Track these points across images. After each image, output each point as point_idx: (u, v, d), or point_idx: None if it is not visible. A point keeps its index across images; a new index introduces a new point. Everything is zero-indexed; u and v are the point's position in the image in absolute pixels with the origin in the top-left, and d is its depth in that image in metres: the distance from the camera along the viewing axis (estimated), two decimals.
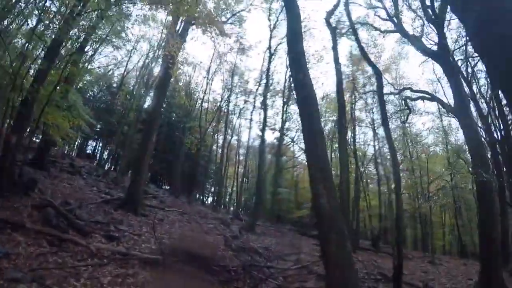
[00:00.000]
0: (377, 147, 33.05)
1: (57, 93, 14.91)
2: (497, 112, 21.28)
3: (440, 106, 28.37)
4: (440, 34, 18.36)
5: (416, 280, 14.98)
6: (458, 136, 37.78)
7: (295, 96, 36.15)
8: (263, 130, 27.57)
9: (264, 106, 27.46)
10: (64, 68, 16.59)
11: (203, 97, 38.24)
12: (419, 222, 36.09)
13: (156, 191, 28.59)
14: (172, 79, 21.12)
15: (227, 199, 46.83)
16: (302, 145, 43.65)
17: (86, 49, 25.97)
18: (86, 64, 34.24)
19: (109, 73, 38.62)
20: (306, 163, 10.17)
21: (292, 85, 34.12)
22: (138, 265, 9.13)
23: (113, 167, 35.93)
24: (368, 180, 39.71)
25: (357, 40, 18.95)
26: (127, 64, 37.10)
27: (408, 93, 23.17)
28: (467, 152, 33.74)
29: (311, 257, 16.02)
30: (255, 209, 23.30)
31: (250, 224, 21.27)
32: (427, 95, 21.66)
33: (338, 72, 21.17)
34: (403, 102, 23.45)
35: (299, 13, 11.13)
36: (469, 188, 30.91)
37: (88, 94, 38.96)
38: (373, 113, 33.36)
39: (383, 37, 22.93)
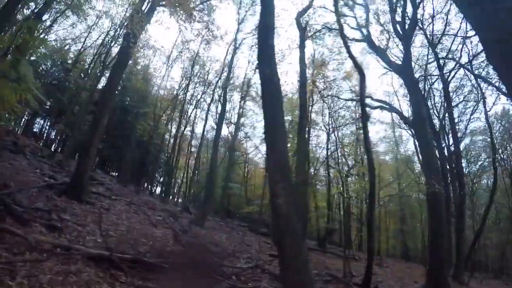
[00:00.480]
0: (330, 151, 33.32)
1: (6, 63, 13.71)
2: (447, 129, 22.05)
3: (394, 117, 29.13)
4: (407, 49, 18.76)
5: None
6: (407, 147, 39.24)
7: (254, 92, 36.35)
8: (220, 122, 27.01)
9: (224, 98, 26.90)
10: (16, 34, 15.43)
11: (160, 83, 36.97)
12: (365, 225, 36.99)
13: (103, 178, 27.22)
14: (130, 61, 20.12)
15: (175, 190, 45.76)
16: (256, 141, 43.96)
17: (44, 18, 24.50)
18: (42, 34, 32.57)
19: (65, 47, 36.61)
20: (266, 161, 9.89)
21: (252, 81, 34.18)
22: (81, 261, 8.35)
23: (60, 148, 34.12)
24: (317, 182, 40.18)
25: (342, 36, 19.13)
26: (85, 40, 34.87)
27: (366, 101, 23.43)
28: (415, 163, 35.52)
29: (262, 255, 15.80)
30: (205, 203, 22.69)
31: (199, 218, 20.66)
32: (385, 105, 22.01)
33: (303, 72, 20.94)
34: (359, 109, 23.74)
35: (274, 7, 10.89)
36: (413, 196, 32.09)
37: (40, 68, 36.52)
38: (328, 116, 33.51)
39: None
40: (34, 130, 39.95)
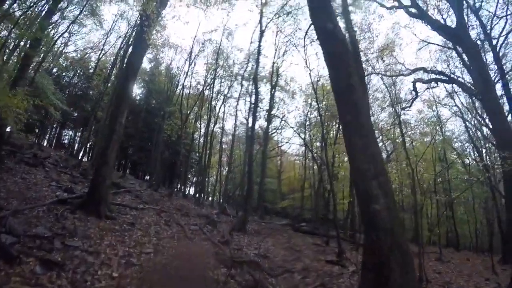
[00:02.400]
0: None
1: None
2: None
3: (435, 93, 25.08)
4: (460, 10, 15.27)
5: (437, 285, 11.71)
6: (449, 127, 34.78)
7: (283, 81, 32.79)
8: (254, 111, 23.42)
9: (255, 86, 23.08)
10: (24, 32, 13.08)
11: (184, 80, 33.77)
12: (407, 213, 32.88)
13: (133, 184, 24.37)
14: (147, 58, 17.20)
15: (209, 190, 42.55)
16: (287, 134, 40.29)
17: (54, 19, 22.74)
18: (61, 47, 30.86)
19: (85, 57, 34.98)
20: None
21: (280, 69, 30.72)
22: None
23: (86, 157, 31.53)
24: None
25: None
26: (103, 46, 32.66)
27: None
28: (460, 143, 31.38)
29: (316, 264, 12.48)
30: (246, 204, 19.24)
31: (241, 222, 17.28)
32: (443, 76, 18.10)
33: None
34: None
35: None
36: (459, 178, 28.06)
37: (64, 80, 34.55)
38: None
39: (390, 13, 19.29)
40: (64, 141, 37.83)
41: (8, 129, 17.19)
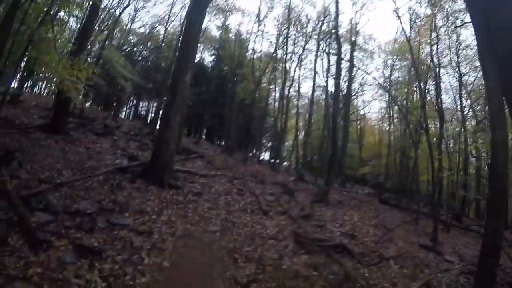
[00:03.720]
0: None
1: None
2: None
3: None
4: None
5: None
6: None
7: (362, 39, 28.69)
8: (338, 65, 20.26)
9: (337, 39, 19.44)
10: None
11: (255, 43, 31.26)
12: None
13: (206, 149, 22.68)
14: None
15: (284, 155, 40.04)
16: (367, 96, 36.62)
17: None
18: (129, 24, 32.49)
19: (153, 30, 34.94)
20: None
21: (358, 26, 27.08)
22: None
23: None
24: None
25: None
26: (169, 17, 31.89)
27: None
28: None
29: (410, 247, 9.85)
30: (329, 172, 16.48)
31: (322, 192, 14.68)
32: None
33: None
34: None
35: None
36: None
37: (136, 55, 34.37)
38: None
39: None
40: (141, 112, 37.83)
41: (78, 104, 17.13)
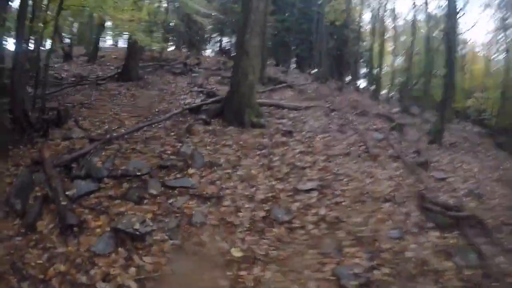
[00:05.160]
0: None
1: None
2: None
3: None
4: None
5: None
6: None
7: None
8: None
9: None
10: None
11: None
12: None
13: (296, 78, 19.86)
14: None
15: (381, 82, 34.75)
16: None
17: None
18: None
19: None
20: None
21: None
22: None
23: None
24: None
25: None
26: None
27: None
28: None
29: None
30: (444, 106, 12.57)
31: (436, 131, 11.08)
32: None
33: None
34: None
35: None
36: None
37: None
38: None
39: None
40: (225, 48, 35.96)
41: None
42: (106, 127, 7.31)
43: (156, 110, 8.74)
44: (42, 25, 7.63)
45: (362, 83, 32.63)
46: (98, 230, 3.95)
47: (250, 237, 4.15)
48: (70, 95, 10.31)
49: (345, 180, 5.96)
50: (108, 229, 3.95)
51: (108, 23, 18.79)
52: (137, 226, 3.86)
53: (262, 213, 4.63)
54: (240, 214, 4.55)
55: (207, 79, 13.89)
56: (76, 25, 23.47)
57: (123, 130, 6.98)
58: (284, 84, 14.57)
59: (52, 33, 8.35)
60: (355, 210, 4.97)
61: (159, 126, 7.33)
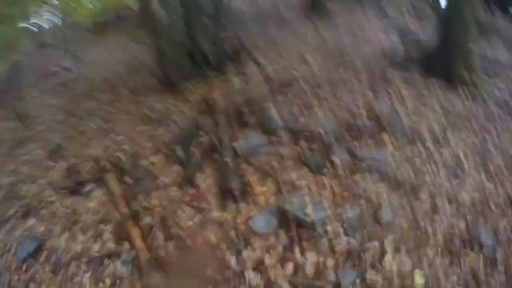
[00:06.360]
0: None
1: None
2: None
3: None
4: None
5: None
6: None
7: None
8: None
9: None
10: None
11: None
12: None
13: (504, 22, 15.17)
14: None
15: None
16: None
17: None
18: None
19: None
20: None
21: None
22: None
23: None
24: None
25: None
26: None
27: None
28: None
29: None
30: None
31: None
32: None
33: None
34: None
35: None
36: None
37: None
38: None
39: None
40: None
41: None
42: (285, 63, 6.47)
43: (345, 51, 7.47)
44: None
45: None
46: (261, 198, 3.47)
47: (441, 258, 3.06)
48: (248, 26, 9.67)
49: None
50: (273, 200, 3.42)
51: None
52: (309, 210, 3.18)
53: (463, 225, 3.41)
54: (436, 217, 3.42)
55: (400, 13, 11.66)
56: None
57: (305, 69, 6.11)
58: (494, 33, 11.33)
59: None
60: None
61: (349, 73, 6.18)
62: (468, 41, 6.42)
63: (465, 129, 4.82)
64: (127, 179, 4.26)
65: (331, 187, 3.58)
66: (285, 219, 3.23)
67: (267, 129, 4.39)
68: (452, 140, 4.49)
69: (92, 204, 4.09)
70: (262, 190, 3.58)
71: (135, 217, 3.67)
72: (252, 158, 4.02)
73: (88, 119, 6.20)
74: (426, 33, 7.81)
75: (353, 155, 3.98)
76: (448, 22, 6.42)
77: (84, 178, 4.57)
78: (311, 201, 3.27)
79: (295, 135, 4.31)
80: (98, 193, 4.21)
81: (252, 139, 4.25)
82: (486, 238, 3.26)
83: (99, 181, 4.32)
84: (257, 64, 6.42)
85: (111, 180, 4.18)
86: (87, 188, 4.37)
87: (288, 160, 3.93)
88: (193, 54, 6.31)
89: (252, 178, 3.73)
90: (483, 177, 4.03)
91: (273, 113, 4.65)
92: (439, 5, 7.69)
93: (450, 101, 5.43)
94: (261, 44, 7.67)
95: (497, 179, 4.04)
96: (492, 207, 3.66)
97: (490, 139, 4.69)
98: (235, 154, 4.03)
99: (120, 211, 3.76)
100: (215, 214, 3.44)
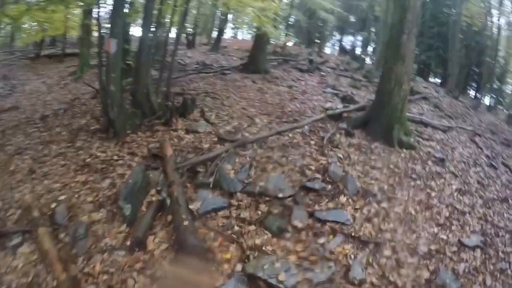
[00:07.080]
0: None
1: None
2: None
3: None
4: None
5: None
6: None
7: None
8: None
9: None
10: None
11: None
12: None
13: (425, 88, 17.27)
14: None
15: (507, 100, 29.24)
16: None
17: None
18: None
19: None
20: None
21: None
22: None
23: (369, 60, 26.39)
24: None
25: None
26: None
27: None
28: None
29: None
30: None
31: None
32: None
33: None
34: None
35: None
36: None
37: None
38: None
39: None
40: (346, 47, 33.90)
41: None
42: (236, 123, 6.57)
43: (289, 110, 7.83)
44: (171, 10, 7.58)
45: (488, 100, 28.20)
46: (225, 266, 3.17)
47: None
48: (194, 82, 10.15)
49: (508, 237, 4.54)
50: (239, 268, 3.13)
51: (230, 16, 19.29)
52: (282, 276, 2.96)
53: (426, 274, 3.48)
54: (402, 271, 3.42)
55: (337, 80, 12.67)
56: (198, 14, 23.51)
57: (254, 130, 6.19)
58: (419, 96, 12.67)
59: (180, 19, 8.31)
60: None
61: (297, 131, 6.39)
62: (405, 109, 7.20)
63: (412, 187, 5.08)
64: (63, 236, 3.65)
65: (296, 250, 3.43)
66: (256, 285, 2.97)
67: (227, 192, 4.19)
68: (402, 199, 4.68)
69: (18, 262, 3.37)
70: (226, 258, 3.26)
71: (75, 285, 3.06)
72: (211, 221, 3.76)
73: (18, 158, 5.58)
74: (362, 97, 8.45)
75: (314, 218, 3.91)
76: (387, 95, 7.10)
77: (11, 228, 3.81)
78: (283, 267, 3.07)
79: (255, 198, 4.17)
80: (27, 249, 3.51)
81: (211, 201, 4.01)
82: (451, 283, 3.41)
83: (29, 234, 3.65)
84: (207, 119, 6.53)
85: (44, 235, 3.52)
86: (14, 241, 3.61)
87: (250, 225, 3.73)
88: (141, 104, 6.20)
89: (213, 244, 3.42)
90: (435, 229, 4.21)
91: (231, 175, 4.54)
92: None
93: (394, 162, 5.76)
94: (208, 98, 8.11)
95: (448, 229, 4.28)
96: (449, 254, 3.84)
97: (434, 194, 5.02)
98: (192, 216, 3.74)
99: (56, 276, 3.09)
100: (173, 284, 3.10)
